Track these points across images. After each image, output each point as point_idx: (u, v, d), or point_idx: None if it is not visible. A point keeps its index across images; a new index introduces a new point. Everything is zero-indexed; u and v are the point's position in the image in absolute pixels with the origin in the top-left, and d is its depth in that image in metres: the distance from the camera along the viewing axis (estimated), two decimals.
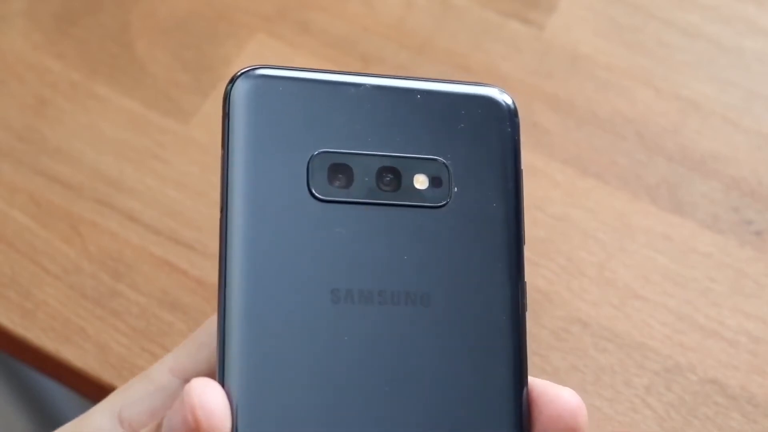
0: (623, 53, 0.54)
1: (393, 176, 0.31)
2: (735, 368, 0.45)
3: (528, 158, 0.50)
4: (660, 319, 0.46)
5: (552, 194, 0.49)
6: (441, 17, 0.55)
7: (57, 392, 0.74)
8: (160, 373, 0.31)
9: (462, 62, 0.53)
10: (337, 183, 0.30)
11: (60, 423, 0.32)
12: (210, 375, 0.30)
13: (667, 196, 0.49)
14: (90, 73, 0.52)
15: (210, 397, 0.28)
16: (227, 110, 0.30)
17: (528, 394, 0.30)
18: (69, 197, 0.48)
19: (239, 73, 0.31)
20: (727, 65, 0.53)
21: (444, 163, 0.31)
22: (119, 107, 0.51)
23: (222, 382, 0.28)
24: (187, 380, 0.31)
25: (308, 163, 0.30)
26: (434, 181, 0.31)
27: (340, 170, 0.31)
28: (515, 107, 0.32)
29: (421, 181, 0.31)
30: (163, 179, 0.49)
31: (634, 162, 0.50)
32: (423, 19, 0.55)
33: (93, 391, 0.45)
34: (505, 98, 0.32)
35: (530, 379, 0.31)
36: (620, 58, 0.54)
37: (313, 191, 0.30)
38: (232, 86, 0.30)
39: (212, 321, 0.31)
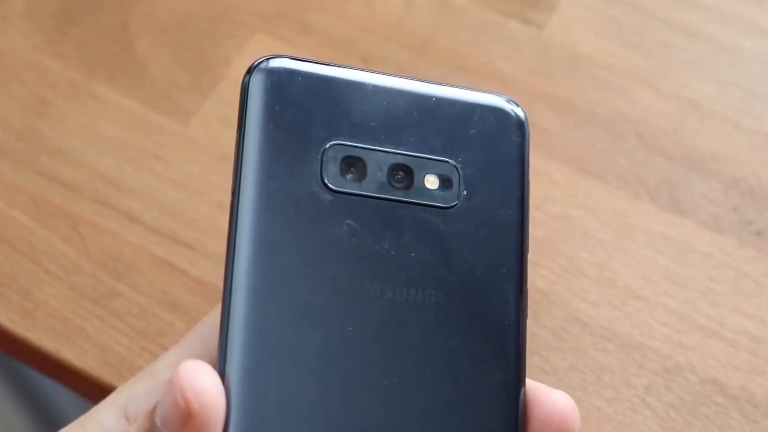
0: (623, 53, 0.54)
1: (404, 174, 0.32)
2: (735, 368, 0.45)
3: None
4: (660, 319, 0.46)
5: (552, 194, 0.49)
6: (441, 17, 0.55)
7: (57, 392, 0.74)
8: (164, 368, 0.31)
9: (462, 62, 0.53)
10: (349, 176, 0.31)
11: (60, 423, 0.32)
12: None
13: (667, 196, 0.49)
14: (90, 73, 0.52)
15: (201, 378, 0.27)
16: (245, 95, 0.31)
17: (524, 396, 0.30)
18: (69, 197, 0.48)
19: (259, 62, 0.31)
20: (727, 65, 0.53)
21: (455, 165, 0.32)
22: (119, 107, 0.51)
23: (222, 367, 0.28)
24: None
25: (322, 153, 0.31)
26: (444, 183, 0.32)
27: (353, 163, 0.31)
28: (526, 119, 0.33)
29: (431, 181, 0.32)
30: (163, 179, 0.49)
31: (634, 162, 0.50)
32: (423, 19, 0.54)
33: (93, 391, 0.45)
34: (517, 110, 0.33)
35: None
36: (620, 58, 0.54)
37: (326, 181, 0.31)
38: (251, 74, 0.31)
39: (213, 314, 0.31)
